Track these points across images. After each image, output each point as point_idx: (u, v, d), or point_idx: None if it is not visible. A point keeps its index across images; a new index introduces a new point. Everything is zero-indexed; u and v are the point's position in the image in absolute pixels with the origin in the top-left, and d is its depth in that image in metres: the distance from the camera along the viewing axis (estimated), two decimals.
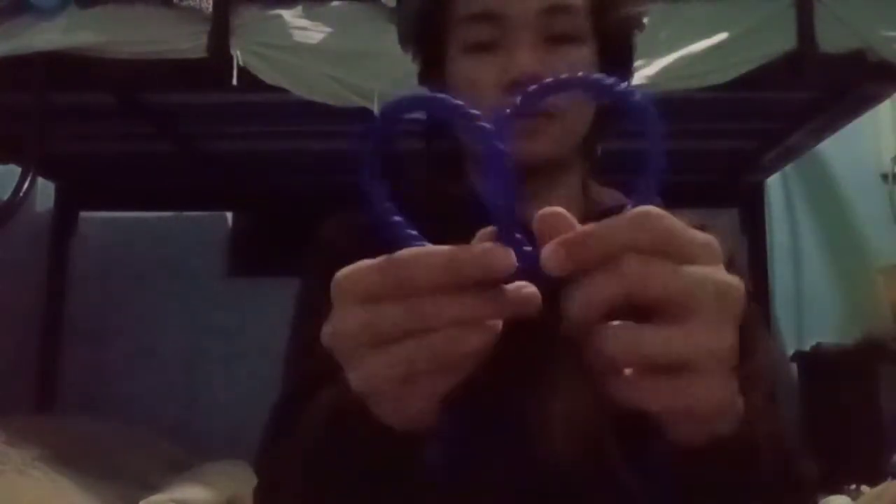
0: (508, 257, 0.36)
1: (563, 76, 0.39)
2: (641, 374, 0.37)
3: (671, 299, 0.35)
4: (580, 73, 0.40)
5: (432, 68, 0.78)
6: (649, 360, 0.36)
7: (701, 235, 0.38)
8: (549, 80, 0.39)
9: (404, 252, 0.36)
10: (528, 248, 0.37)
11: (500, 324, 0.37)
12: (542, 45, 0.69)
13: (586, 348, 0.37)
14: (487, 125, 0.37)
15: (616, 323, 0.36)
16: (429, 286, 0.36)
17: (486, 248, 0.36)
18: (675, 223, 0.37)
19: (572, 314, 0.36)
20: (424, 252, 0.36)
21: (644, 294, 0.35)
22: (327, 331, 0.39)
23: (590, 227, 0.36)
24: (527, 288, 0.37)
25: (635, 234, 0.35)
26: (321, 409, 0.52)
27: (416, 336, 0.36)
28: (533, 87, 0.39)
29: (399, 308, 0.36)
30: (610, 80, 0.38)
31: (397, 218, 0.38)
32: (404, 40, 0.81)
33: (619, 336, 0.36)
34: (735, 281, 0.38)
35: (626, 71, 0.78)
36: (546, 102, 0.40)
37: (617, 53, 0.75)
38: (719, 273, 0.37)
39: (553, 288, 0.36)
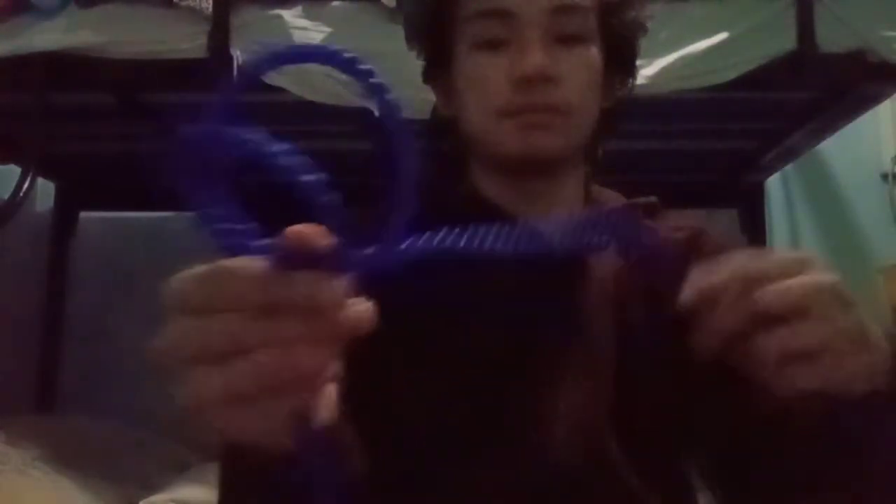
0: (338, 291, 0.33)
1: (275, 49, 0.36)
2: (797, 363, 0.45)
3: (792, 306, 0.45)
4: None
5: (438, 66, 0.78)
6: (800, 350, 0.45)
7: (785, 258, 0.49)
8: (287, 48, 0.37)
9: (226, 264, 0.34)
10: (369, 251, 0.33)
11: (340, 343, 0.34)
12: (551, 44, 0.70)
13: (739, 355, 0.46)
14: (381, 80, 0.33)
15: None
16: (247, 305, 0.33)
17: (312, 283, 0.33)
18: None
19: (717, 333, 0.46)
20: (243, 268, 0.33)
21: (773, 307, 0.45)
22: (156, 342, 0.36)
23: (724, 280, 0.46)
24: (358, 307, 0.34)
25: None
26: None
27: (237, 356, 0.33)
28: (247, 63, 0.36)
29: (215, 324, 0.33)
30: (349, 56, 0.35)
31: (225, 212, 0.34)
32: (411, 38, 0.81)
33: (776, 336, 0.45)
34: (829, 277, 0.48)
35: (629, 71, 0.79)
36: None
37: (621, 56, 0.75)
38: (814, 276, 0.48)
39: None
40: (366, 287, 0.34)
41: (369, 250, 0.34)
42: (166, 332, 0.36)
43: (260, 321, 0.33)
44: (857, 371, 0.47)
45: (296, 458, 0.35)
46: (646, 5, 0.77)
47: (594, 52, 0.71)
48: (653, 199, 0.76)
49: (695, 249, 0.72)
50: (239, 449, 0.40)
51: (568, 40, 0.70)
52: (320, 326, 0.33)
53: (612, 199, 0.78)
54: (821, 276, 0.47)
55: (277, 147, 0.34)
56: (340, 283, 0.33)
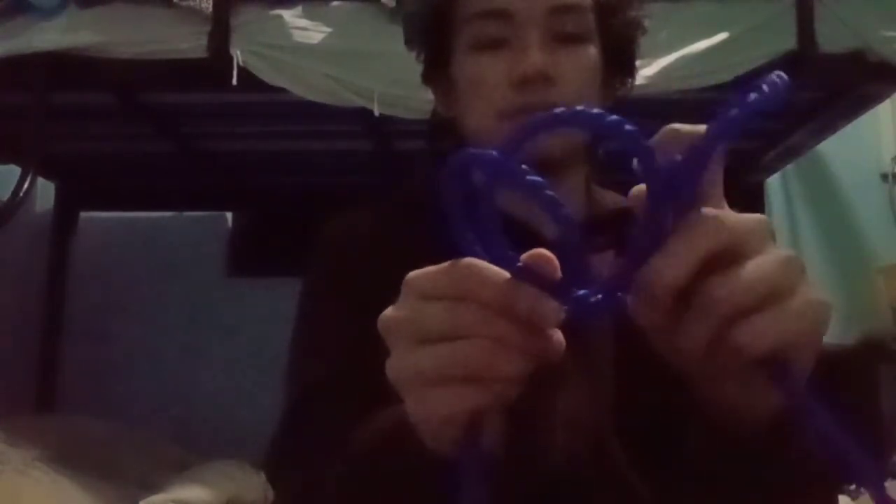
0: (556, 316, 0.36)
1: (560, 111, 0.39)
2: (751, 315, 0.37)
3: (728, 248, 0.38)
4: (580, 108, 0.39)
5: (438, 67, 0.78)
6: (755, 296, 0.37)
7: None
8: (544, 116, 0.40)
9: (470, 260, 0.37)
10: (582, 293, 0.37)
11: (531, 365, 0.38)
12: (550, 44, 0.69)
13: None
14: (550, 194, 0.36)
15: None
16: (479, 299, 0.36)
17: (541, 299, 0.36)
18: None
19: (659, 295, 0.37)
20: (486, 267, 0.37)
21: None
22: (382, 318, 0.40)
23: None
24: (557, 336, 0.38)
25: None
26: (366, 438, 0.53)
27: (453, 341, 0.37)
28: (528, 123, 0.39)
29: (443, 308, 0.37)
30: (611, 119, 0.37)
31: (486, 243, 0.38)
32: (410, 39, 0.81)
33: (725, 285, 0.37)
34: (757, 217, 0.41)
35: (628, 72, 0.78)
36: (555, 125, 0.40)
37: (620, 55, 0.75)
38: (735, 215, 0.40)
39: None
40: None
41: (593, 296, 0.37)
42: (392, 310, 0.39)
43: (487, 316, 0.36)
44: (817, 312, 0.40)
45: (456, 458, 0.38)
46: (645, 5, 0.77)
47: (593, 52, 0.71)
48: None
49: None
50: (398, 441, 0.43)
51: (566, 40, 0.70)
52: (531, 341, 0.37)
53: (613, 199, 0.78)
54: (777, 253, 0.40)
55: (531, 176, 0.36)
56: (559, 311, 0.36)
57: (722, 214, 0.38)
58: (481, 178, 0.37)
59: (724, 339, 0.37)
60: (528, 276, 0.36)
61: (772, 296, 0.37)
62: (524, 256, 0.37)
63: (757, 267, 0.37)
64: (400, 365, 0.39)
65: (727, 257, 0.37)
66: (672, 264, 0.36)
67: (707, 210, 0.38)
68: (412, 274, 0.39)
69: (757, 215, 0.41)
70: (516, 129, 0.37)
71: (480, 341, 0.36)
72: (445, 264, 0.38)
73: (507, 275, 0.36)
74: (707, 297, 0.36)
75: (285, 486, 0.66)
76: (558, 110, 0.37)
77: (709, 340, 0.37)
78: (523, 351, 0.37)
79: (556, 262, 0.37)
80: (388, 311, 0.40)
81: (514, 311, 0.36)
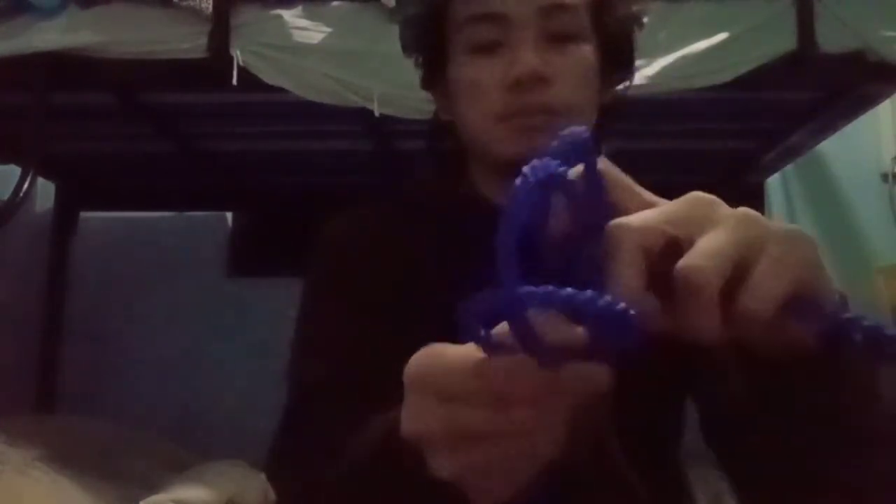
0: (606, 377, 0.34)
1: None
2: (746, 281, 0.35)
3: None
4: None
5: (435, 73, 0.78)
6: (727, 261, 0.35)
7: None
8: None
9: (501, 362, 0.34)
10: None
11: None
12: (544, 44, 0.69)
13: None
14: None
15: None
16: (523, 399, 0.34)
17: (590, 370, 0.34)
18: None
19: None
20: (522, 366, 0.33)
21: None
22: (405, 424, 0.37)
23: None
24: (599, 374, 0.35)
25: None
26: (366, 448, 0.52)
27: (499, 436, 0.34)
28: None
29: (486, 412, 0.34)
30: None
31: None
32: (406, 47, 0.81)
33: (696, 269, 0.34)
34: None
35: (627, 70, 0.78)
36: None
37: (617, 52, 0.75)
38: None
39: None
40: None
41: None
42: (417, 417, 0.36)
43: (529, 411, 0.34)
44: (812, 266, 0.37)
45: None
46: (644, 4, 0.77)
47: (587, 50, 0.71)
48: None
49: None
50: (395, 453, 0.41)
51: (561, 39, 0.70)
52: (558, 414, 0.35)
53: None
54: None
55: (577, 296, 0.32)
56: (601, 369, 0.34)
57: (643, 216, 0.36)
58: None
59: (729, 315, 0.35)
60: (552, 354, 0.33)
61: (747, 254, 0.35)
62: (544, 337, 0.33)
63: (711, 238, 0.35)
64: (449, 471, 0.36)
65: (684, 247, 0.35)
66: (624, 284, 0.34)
67: (618, 222, 0.36)
68: (418, 367, 0.36)
69: (691, 194, 0.39)
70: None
71: (511, 439, 0.34)
72: (469, 363, 0.34)
73: (543, 375, 0.33)
74: (683, 286, 0.34)
75: (285, 486, 0.67)
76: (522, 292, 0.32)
77: (713, 326, 0.34)
78: (563, 417, 0.35)
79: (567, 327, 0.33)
80: (412, 421, 0.36)
81: (560, 396, 0.34)
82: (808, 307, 0.36)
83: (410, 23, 0.80)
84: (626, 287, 0.34)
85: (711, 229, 0.36)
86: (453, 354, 0.35)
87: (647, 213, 0.37)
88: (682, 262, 0.34)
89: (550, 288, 0.31)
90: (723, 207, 0.38)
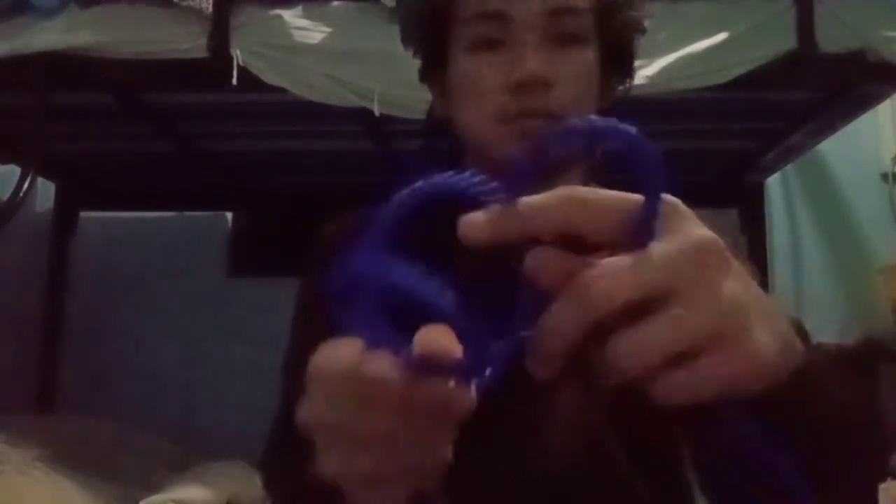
0: (468, 401, 0.33)
1: (567, 126, 0.35)
2: (675, 369, 0.33)
3: (648, 295, 0.32)
4: (588, 118, 0.35)
5: (434, 68, 0.77)
6: (668, 354, 0.32)
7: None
8: (548, 134, 0.35)
9: (369, 368, 0.33)
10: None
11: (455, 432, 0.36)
12: (547, 46, 0.69)
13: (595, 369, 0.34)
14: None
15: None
16: (386, 407, 0.33)
17: (445, 392, 0.33)
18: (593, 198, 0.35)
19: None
20: (385, 377, 0.33)
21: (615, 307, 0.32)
22: (298, 417, 0.36)
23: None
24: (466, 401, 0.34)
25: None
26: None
27: (374, 445, 0.34)
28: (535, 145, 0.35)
29: (355, 416, 0.34)
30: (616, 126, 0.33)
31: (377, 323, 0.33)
32: (407, 39, 0.80)
33: (623, 346, 0.32)
34: (707, 234, 0.33)
35: (627, 73, 0.78)
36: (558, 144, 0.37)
37: (619, 56, 0.75)
38: (684, 236, 0.33)
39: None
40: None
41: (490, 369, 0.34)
42: (306, 407, 0.36)
43: (399, 417, 0.34)
44: (762, 360, 0.33)
45: None
46: (644, 5, 0.77)
47: (590, 54, 0.71)
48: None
49: None
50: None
51: (564, 42, 0.70)
52: (446, 423, 0.35)
53: None
54: (683, 238, 0.33)
55: (430, 289, 0.32)
56: (466, 394, 0.33)
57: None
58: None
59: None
60: (427, 367, 0.32)
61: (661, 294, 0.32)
62: (417, 349, 0.32)
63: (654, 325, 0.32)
64: (329, 470, 0.36)
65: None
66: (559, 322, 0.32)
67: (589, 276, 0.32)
68: (317, 360, 0.35)
69: (698, 243, 0.33)
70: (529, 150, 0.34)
71: (405, 442, 0.34)
72: (344, 365, 0.34)
73: (403, 378, 0.32)
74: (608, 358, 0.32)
75: (276, 492, 0.67)
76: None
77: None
78: (437, 442, 0.35)
79: (453, 344, 0.33)
80: (302, 411, 0.36)
81: (419, 412, 0.33)
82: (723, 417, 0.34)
83: (412, 15, 0.79)
84: (553, 333, 0.32)
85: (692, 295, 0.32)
86: (341, 351, 0.34)
87: (622, 272, 0.32)
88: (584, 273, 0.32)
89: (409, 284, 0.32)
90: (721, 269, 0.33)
